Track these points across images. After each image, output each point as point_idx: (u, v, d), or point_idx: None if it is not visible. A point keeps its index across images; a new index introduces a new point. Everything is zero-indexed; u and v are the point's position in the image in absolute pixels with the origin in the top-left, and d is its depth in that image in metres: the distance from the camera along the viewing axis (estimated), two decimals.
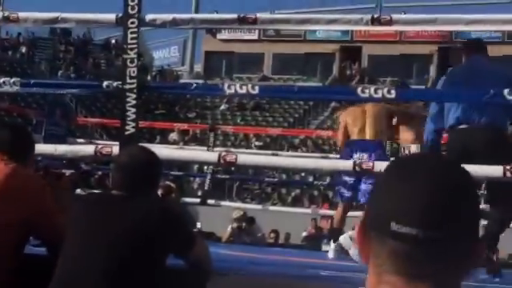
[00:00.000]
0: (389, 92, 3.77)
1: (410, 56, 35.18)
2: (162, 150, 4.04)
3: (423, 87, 31.93)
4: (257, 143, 26.46)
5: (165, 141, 25.12)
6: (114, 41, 36.89)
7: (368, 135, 6.83)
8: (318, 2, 36.34)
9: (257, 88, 4.07)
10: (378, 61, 35.62)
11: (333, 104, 31.25)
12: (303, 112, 31.89)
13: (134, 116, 4.11)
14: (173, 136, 26.12)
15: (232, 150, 18.38)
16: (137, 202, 3.21)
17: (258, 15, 4.09)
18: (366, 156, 6.57)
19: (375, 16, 3.88)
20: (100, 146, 4.28)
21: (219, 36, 37.75)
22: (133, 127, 4.09)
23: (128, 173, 3.27)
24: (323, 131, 26.39)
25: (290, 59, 36.80)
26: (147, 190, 3.32)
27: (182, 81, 32.09)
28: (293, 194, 24.36)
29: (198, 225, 16.51)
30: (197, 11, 35.11)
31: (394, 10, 34.10)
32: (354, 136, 6.87)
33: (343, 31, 34.51)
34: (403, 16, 4.14)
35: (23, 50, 31.53)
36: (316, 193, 23.26)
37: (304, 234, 15.87)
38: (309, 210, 17.02)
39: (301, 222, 15.91)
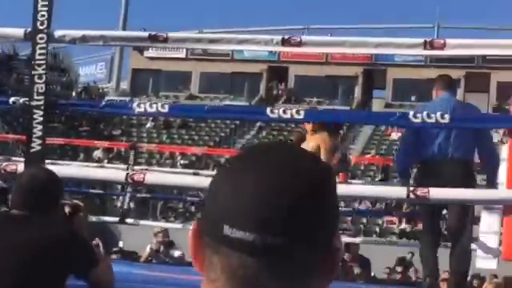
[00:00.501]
0: (297, 113, 3.81)
1: (335, 77, 35.72)
2: (61, 169, 3.97)
3: (348, 108, 32.45)
4: (182, 162, 26.33)
5: (89, 158, 24.81)
6: None
7: None
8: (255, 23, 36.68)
9: (166, 107, 4.04)
10: (304, 81, 36.04)
11: (259, 124, 31.44)
12: (229, 131, 31.94)
13: (40, 133, 4.03)
14: (97, 154, 25.80)
15: (155, 168, 18.27)
16: (37, 222, 3.19)
17: (170, 34, 4.08)
18: None
19: (285, 37, 3.91)
20: (4, 164, 4.18)
21: (146, 54, 37.61)
22: (39, 144, 4.01)
23: (27, 192, 3.26)
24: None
25: (218, 78, 36.90)
26: (47, 210, 3.29)
27: (107, 98, 31.75)
28: None
29: (120, 244, 16.32)
30: (124, 28, 34.92)
31: (320, 32, 34.61)
32: None
33: (270, 51, 34.84)
34: (313, 38, 4.19)
35: None
36: None
37: None
38: None
39: None
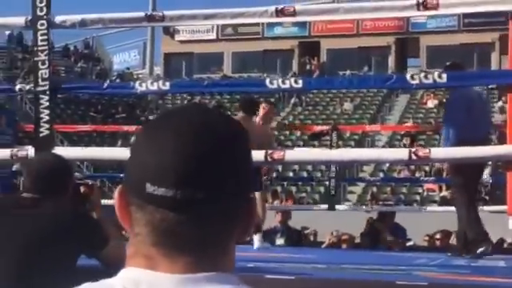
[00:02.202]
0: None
1: (367, 48, 35.38)
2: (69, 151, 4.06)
3: None
4: None
5: (127, 144, 25.03)
6: (72, 47, 36.71)
7: None
8: None
9: (168, 84, 4.11)
10: (336, 55, 35.81)
11: (293, 100, 31.43)
12: None
13: (47, 118, 4.12)
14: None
15: None
16: (45, 205, 3.29)
17: (166, 12, 4.13)
18: None
19: (279, 8, 3.94)
20: (16, 150, 4.29)
21: (177, 37, 37.76)
22: (47, 129, 4.10)
23: (36, 176, 3.36)
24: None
25: (249, 57, 36.90)
26: (57, 192, 3.38)
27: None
28: None
29: None
30: (154, 9, 35.04)
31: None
32: None
33: (300, 27, 34.71)
34: (307, 7, 4.22)
35: None
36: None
37: None
38: None
39: None
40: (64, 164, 3.48)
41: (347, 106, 30.85)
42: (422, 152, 3.75)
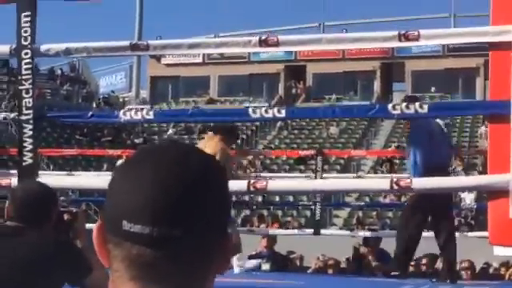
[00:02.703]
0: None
1: (353, 73, 35.57)
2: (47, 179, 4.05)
3: (368, 103, 32.24)
4: None
5: (113, 168, 24.90)
6: (58, 70, 36.68)
7: None
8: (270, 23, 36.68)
9: (151, 113, 4.14)
10: (322, 79, 35.96)
11: (279, 124, 31.46)
12: (251, 133, 31.96)
13: (31, 147, 4.13)
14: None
15: None
16: (28, 234, 3.28)
17: (150, 42, 4.16)
18: None
19: (262, 38, 3.98)
20: None
21: (164, 61, 37.81)
22: (30, 158, 4.11)
23: (20, 205, 3.36)
24: (271, 151, 26.65)
25: (236, 81, 37.00)
26: (41, 221, 3.39)
27: (128, 107, 31.93)
28: None
29: None
30: (140, 37, 35.11)
31: (336, 28, 34.63)
32: None
33: (286, 51, 34.88)
34: (289, 37, 4.27)
35: None
36: None
37: None
38: None
39: None
40: (48, 192, 3.48)
41: (333, 130, 30.95)
42: (403, 182, 3.80)
